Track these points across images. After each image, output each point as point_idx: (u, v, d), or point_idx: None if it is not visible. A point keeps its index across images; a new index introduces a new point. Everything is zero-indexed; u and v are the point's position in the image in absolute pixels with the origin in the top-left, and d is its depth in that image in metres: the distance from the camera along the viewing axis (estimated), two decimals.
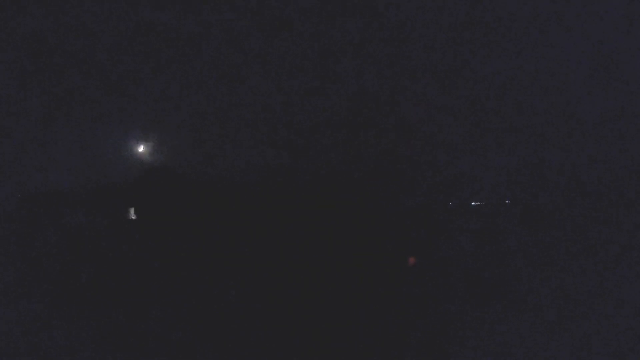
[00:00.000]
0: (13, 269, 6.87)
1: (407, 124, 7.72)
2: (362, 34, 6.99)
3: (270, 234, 7.54)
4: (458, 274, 7.15)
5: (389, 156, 8.04)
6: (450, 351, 5.84)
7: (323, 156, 7.80)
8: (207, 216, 7.64)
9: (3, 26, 6.66)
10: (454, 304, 6.66)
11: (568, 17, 6.99)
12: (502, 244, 7.67)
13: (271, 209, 7.74)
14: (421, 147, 7.96)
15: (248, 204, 7.76)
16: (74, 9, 6.82)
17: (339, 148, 7.82)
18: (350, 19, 6.89)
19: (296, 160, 7.67)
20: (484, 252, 7.58)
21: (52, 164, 7.38)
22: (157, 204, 7.73)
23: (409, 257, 7.42)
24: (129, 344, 5.93)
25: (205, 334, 6.13)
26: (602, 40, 7.24)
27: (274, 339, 5.98)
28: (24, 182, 7.44)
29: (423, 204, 8.23)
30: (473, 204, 8.40)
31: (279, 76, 7.26)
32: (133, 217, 7.68)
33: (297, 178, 7.94)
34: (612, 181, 7.88)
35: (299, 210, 7.86)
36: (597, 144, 7.82)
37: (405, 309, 6.55)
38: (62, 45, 6.79)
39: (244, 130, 7.43)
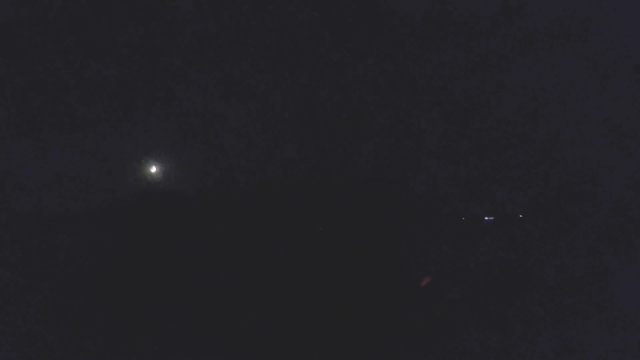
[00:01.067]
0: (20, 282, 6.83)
1: (416, 136, 7.70)
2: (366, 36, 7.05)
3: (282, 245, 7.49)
4: (472, 291, 7.03)
5: (397, 170, 8.00)
6: None
7: (336, 169, 7.78)
8: (220, 230, 7.60)
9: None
10: (466, 321, 6.59)
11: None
12: (517, 260, 7.55)
13: (282, 221, 7.70)
14: (431, 161, 7.91)
15: (260, 216, 7.73)
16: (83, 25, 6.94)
17: (346, 158, 7.80)
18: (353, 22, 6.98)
19: (310, 173, 7.65)
20: (499, 267, 7.46)
21: (57, 180, 7.38)
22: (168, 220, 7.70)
23: (423, 278, 7.31)
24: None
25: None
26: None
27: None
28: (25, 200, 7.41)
29: (434, 219, 8.15)
30: (487, 218, 8.28)
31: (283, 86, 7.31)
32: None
33: (310, 191, 7.92)
34: (630, 190, 7.76)
35: (314, 226, 7.84)
36: (613, 152, 7.72)
37: (413, 328, 6.48)
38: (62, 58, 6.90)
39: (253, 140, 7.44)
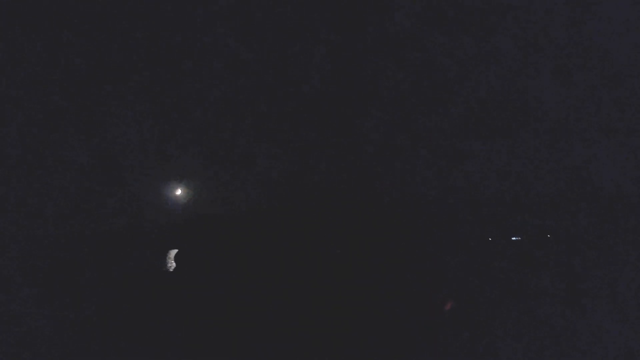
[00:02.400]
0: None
1: (448, 158, 7.71)
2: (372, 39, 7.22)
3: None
4: (501, 309, 6.78)
5: (431, 192, 7.98)
6: None
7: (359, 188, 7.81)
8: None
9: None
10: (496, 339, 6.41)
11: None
12: (544, 279, 7.33)
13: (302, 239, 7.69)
14: (460, 183, 7.87)
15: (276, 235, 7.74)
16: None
17: (380, 183, 7.86)
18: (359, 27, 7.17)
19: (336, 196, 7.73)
20: (527, 287, 7.23)
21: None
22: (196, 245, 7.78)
23: (447, 302, 7.15)
24: None
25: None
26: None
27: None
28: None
29: (462, 239, 8.03)
30: (513, 238, 8.08)
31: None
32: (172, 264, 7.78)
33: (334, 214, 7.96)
34: None
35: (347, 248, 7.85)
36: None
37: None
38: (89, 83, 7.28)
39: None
